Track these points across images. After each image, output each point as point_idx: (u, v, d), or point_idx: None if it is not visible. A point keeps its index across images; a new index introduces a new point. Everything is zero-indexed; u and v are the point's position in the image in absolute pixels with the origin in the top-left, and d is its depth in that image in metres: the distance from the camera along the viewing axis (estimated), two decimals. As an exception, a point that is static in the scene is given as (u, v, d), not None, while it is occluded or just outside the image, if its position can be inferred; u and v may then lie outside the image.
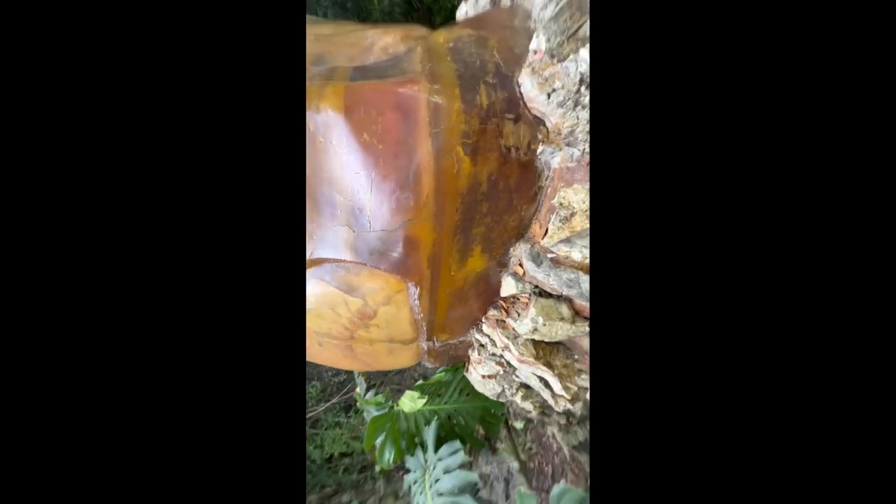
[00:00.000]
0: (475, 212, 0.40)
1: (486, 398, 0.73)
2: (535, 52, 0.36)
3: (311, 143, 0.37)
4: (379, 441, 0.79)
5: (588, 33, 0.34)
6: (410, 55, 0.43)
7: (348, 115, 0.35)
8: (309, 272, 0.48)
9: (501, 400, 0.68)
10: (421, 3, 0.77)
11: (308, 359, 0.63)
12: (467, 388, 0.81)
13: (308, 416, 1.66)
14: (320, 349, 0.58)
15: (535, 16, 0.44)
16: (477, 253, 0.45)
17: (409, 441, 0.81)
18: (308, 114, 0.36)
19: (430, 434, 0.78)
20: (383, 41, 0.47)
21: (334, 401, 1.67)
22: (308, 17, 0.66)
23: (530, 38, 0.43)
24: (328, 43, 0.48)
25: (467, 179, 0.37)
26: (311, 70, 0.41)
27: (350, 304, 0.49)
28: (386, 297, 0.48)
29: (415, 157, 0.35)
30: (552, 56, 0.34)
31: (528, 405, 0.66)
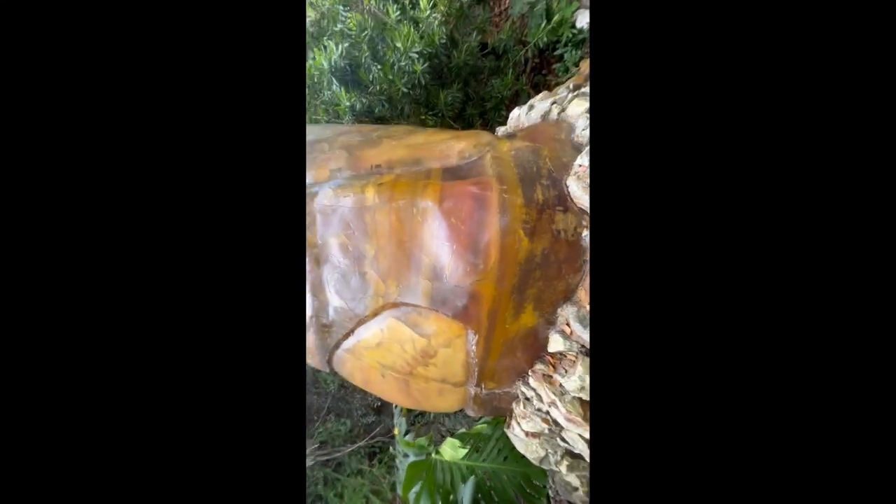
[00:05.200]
0: (530, 277, 0.50)
1: (526, 463, 0.71)
2: (580, 166, 0.49)
3: (412, 219, 0.52)
4: (414, 491, 0.80)
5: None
6: (482, 161, 0.60)
7: (442, 206, 0.50)
8: (387, 312, 0.60)
9: (544, 466, 0.67)
10: (476, 94, 1.06)
11: (366, 387, 0.72)
12: (506, 450, 0.80)
13: (333, 456, 1.65)
14: (381, 380, 0.67)
15: (577, 133, 0.59)
16: (529, 310, 0.53)
17: (444, 497, 0.80)
18: (413, 200, 0.52)
19: (466, 493, 0.77)
20: (459, 146, 0.66)
21: (360, 444, 1.65)
22: (402, 126, 0.91)
23: (574, 149, 0.57)
24: (423, 149, 0.68)
25: (525, 253, 0.48)
26: (412, 168, 0.59)
27: (416, 343, 0.59)
28: (447, 339, 0.57)
29: (486, 235, 0.48)
30: (593, 169, 0.47)
31: (573, 479, 0.63)
